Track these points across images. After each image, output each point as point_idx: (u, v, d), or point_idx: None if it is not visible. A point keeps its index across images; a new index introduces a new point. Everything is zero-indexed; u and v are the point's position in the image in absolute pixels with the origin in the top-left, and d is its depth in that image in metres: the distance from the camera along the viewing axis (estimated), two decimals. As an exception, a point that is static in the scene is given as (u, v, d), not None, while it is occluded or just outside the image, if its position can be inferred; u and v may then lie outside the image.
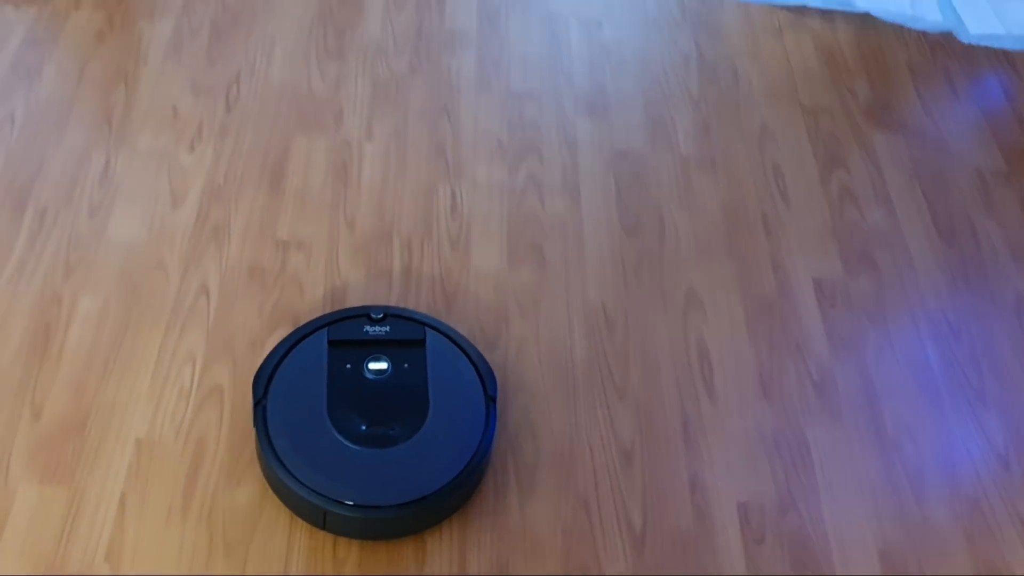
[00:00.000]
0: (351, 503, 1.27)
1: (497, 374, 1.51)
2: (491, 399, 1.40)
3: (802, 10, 2.18)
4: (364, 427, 1.34)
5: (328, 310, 1.55)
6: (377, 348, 1.42)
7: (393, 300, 1.58)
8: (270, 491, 1.33)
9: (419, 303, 1.58)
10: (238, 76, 1.86)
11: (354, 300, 1.57)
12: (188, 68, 1.85)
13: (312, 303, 1.55)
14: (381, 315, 1.45)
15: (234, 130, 1.77)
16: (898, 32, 2.18)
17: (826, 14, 2.19)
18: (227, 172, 1.71)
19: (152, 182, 1.67)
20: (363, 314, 1.46)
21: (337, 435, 1.33)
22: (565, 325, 1.58)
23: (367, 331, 1.43)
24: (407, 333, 1.44)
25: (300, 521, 1.32)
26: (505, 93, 1.92)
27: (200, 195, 1.66)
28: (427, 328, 1.46)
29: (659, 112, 1.93)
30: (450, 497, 1.31)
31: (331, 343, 1.42)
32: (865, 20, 2.18)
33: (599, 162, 1.83)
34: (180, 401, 1.42)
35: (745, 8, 2.17)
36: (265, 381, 1.38)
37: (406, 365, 1.40)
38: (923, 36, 2.16)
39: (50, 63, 1.82)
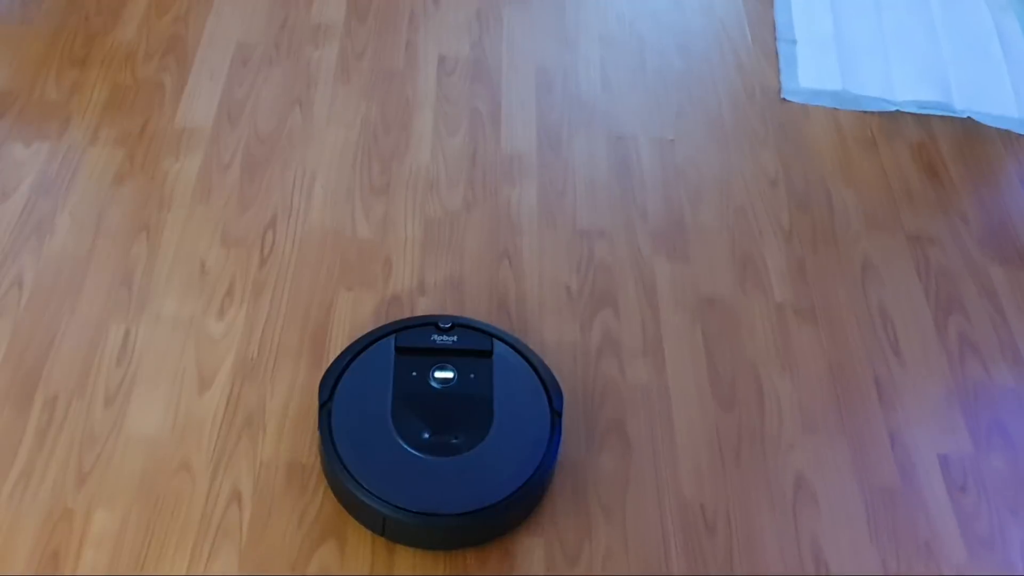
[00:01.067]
0: (410, 510, 1.25)
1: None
2: (557, 413, 1.37)
3: (896, 116, 1.93)
4: (427, 435, 1.32)
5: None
6: (444, 357, 1.40)
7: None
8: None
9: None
10: (273, 221, 1.64)
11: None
12: (218, 212, 1.63)
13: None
14: (449, 324, 1.43)
15: (270, 288, 1.55)
16: (1006, 139, 1.93)
17: (922, 120, 1.94)
18: (261, 342, 1.49)
19: (176, 359, 1.44)
20: (431, 323, 1.43)
21: (400, 442, 1.31)
22: (658, 531, 1.35)
23: (434, 340, 1.41)
24: (475, 343, 1.42)
25: (361, 528, 1.29)
26: (571, 230, 1.69)
27: (231, 373, 1.44)
28: (495, 339, 1.43)
29: (746, 248, 1.68)
30: (510, 510, 1.29)
31: (398, 350, 1.40)
32: (967, 126, 1.93)
33: (683, 313, 1.58)
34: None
35: (833, 116, 1.92)
36: (332, 385, 1.36)
37: (472, 375, 1.38)
38: (1036, 145, 1.92)
39: (63, 212, 1.61)
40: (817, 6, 2.15)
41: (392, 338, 1.42)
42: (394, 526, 1.27)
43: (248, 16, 1.96)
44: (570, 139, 1.82)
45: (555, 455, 1.35)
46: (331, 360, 1.43)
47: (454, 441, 1.32)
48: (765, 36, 2.08)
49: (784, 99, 1.93)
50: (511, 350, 1.43)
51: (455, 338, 1.42)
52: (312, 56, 1.91)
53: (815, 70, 2.00)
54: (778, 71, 2.00)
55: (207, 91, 1.82)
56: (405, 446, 1.31)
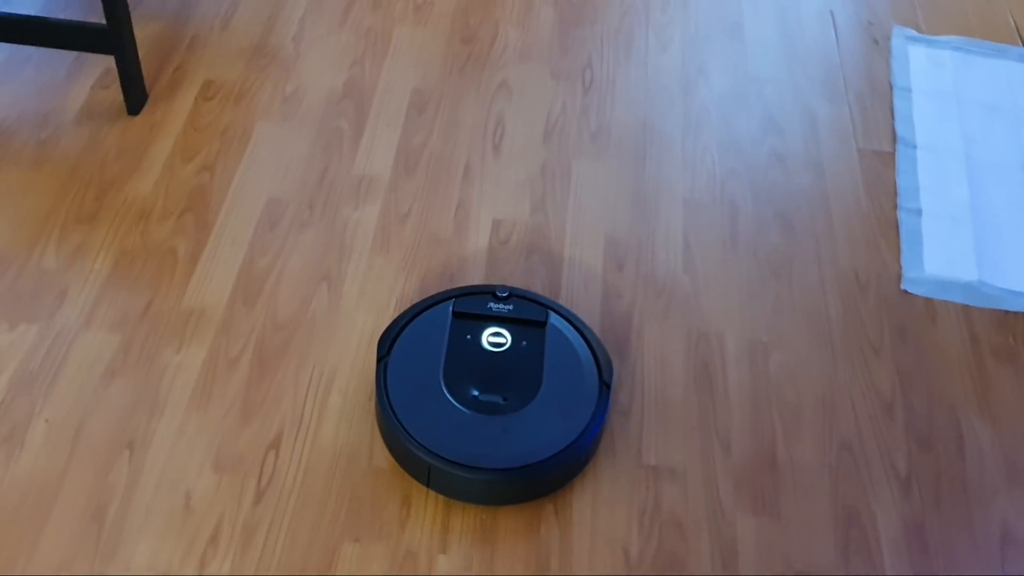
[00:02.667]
0: (454, 461, 1.28)
1: None
2: (605, 384, 1.37)
3: (1045, 316, 1.58)
4: (476, 393, 1.35)
5: None
6: (498, 323, 1.43)
7: None
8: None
9: None
10: (278, 439, 1.36)
11: None
12: (214, 425, 1.36)
13: None
14: (506, 294, 1.45)
15: (262, 533, 1.28)
16: None
17: (1079, 321, 1.58)
18: (245, 611, 1.22)
19: (139, 633, 1.20)
20: (489, 291, 1.46)
21: (450, 398, 1.34)
22: None
23: (491, 307, 1.44)
24: (530, 313, 1.44)
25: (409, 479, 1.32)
26: (635, 463, 1.37)
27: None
28: (550, 311, 1.45)
29: (852, 500, 1.34)
30: (551, 471, 1.30)
31: (455, 314, 1.43)
32: None
33: (768, 592, 1.27)
34: None
35: (966, 317, 1.56)
36: (390, 342, 1.40)
37: (524, 343, 1.40)
38: None
39: (39, 418, 1.36)
40: (950, 165, 1.80)
41: (451, 303, 1.45)
42: (438, 476, 1.30)
43: (284, 165, 1.71)
44: (641, 335, 1.52)
45: (600, 424, 1.34)
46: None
47: (502, 401, 1.34)
48: (884, 202, 1.74)
49: (905, 291, 1.59)
50: (565, 322, 1.44)
51: (511, 307, 1.44)
52: (350, 218, 1.65)
53: (944, 253, 1.65)
54: (898, 251, 1.65)
55: (225, 261, 1.57)
56: (454, 402, 1.34)
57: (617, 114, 1.85)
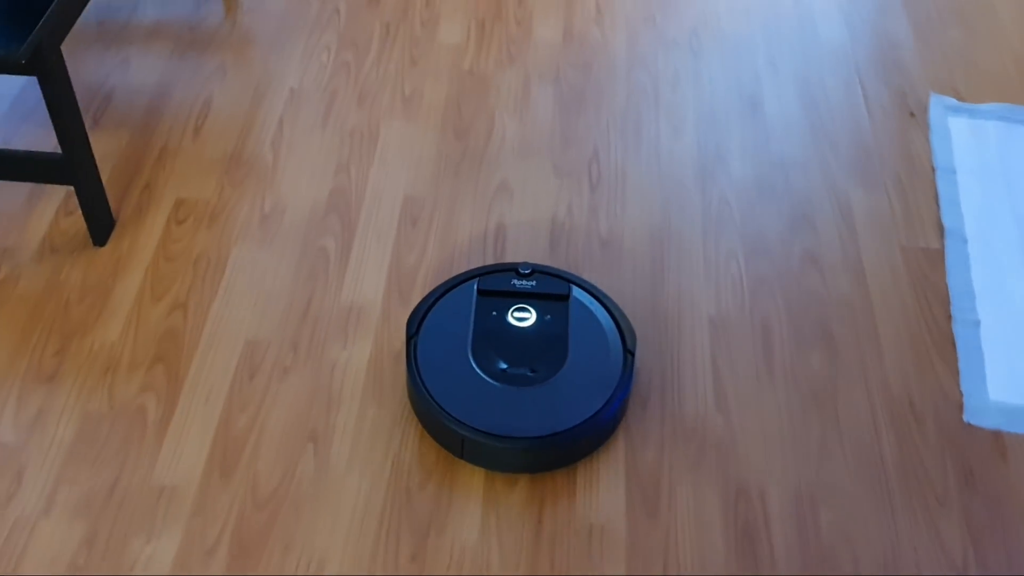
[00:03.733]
0: (487, 431, 1.30)
1: None
2: (629, 352, 1.40)
3: None
4: (504, 367, 1.37)
5: None
6: (523, 299, 1.46)
7: None
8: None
9: None
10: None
11: None
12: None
13: None
14: (529, 271, 1.48)
15: None
16: None
17: None
18: None
19: None
20: (512, 268, 1.49)
21: (479, 372, 1.37)
22: None
23: (514, 284, 1.47)
24: (553, 288, 1.46)
25: (445, 452, 1.35)
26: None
27: None
28: (572, 285, 1.47)
29: None
30: (579, 438, 1.32)
31: (480, 292, 1.46)
32: None
33: None
34: None
35: (1038, 448, 1.38)
36: (418, 321, 1.43)
37: (549, 316, 1.43)
38: None
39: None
40: (1006, 260, 1.60)
41: (475, 281, 1.48)
42: (472, 447, 1.32)
43: (263, 298, 1.53)
44: (672, 492, 1.33)
45: (627, 390, 1.37)
46: None
47: (529, 374, 1.37)
48: (936, 312, 1.54)
49: (968, 423, 1.40)
50: (588, 295, 1.46)
51: (534, 283, 1.47)
52: (338, 360, 1.47)
53: (1009, 372, 1.45)
54: (957, 373, 1.46)
55: (198, 422, 1.38)
56: (483, 376, 1.37)
57: (629, 215, 1.66)
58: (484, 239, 1.62)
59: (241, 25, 1.98)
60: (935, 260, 1.60)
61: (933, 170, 1.73)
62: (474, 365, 1.38)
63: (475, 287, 1.47)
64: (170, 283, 1.55)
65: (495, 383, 1.36)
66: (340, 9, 2.03)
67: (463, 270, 1.59)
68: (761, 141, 1.78)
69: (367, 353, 1.47)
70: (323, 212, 1.66)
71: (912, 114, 1.83)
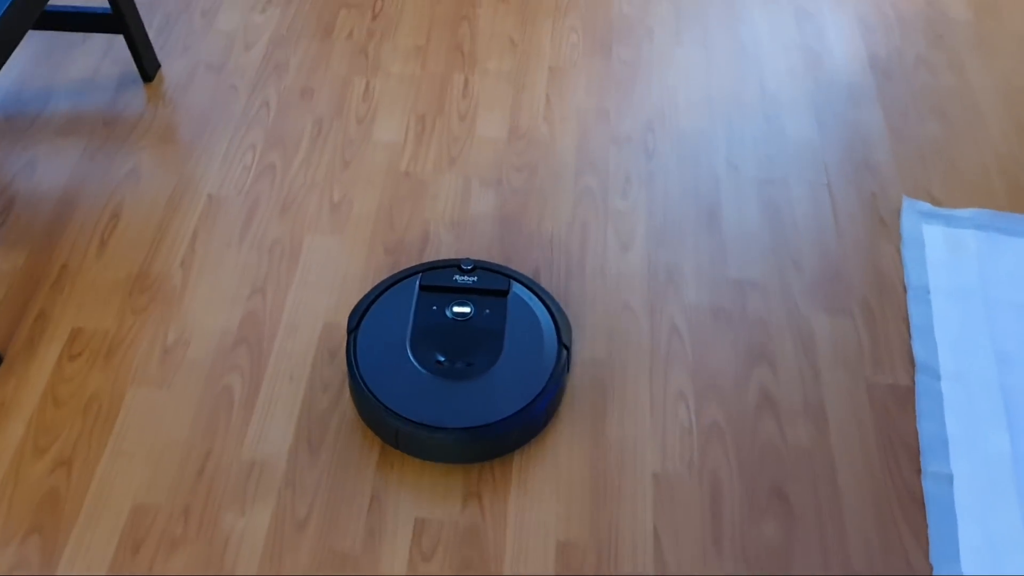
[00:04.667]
0: (419, 422, 1.32)
1: None
2: (564, 347, 1.41)
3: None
4: (441, 360, 1.39)
5: None
6: (463, 294, 1.47)
7: None
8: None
9: None
10: None
11: None
12: None
13: None
14: (471, 267, 1.50)
15: None
16: None
17: None
18: None
19: None
20: (454, 264, 1.51)
21: (416, 365, 1.38)
22: None
23: (456, 280, 1.48)
24: (493, 284, 1.48)
25: (380, 441, 1.38)
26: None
27: None
28: (512, 280, 1.49)
29: None
30: (511, 428, 1.33)
31: (422, 288, 1.48)
32: None
33: None
34: None
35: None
36: (359, 316, 1.45)
37: (487, 311, 1.45)
38: None
39: None
40: (983, 402, 1.41)
41: (418, 277, 1.50)
42: (405, 437, 1.34)
43: (156, 452, 1.36)
44: None
45: (558, 382, 1.38)
46: None
47: (465, 367, 1.38)
48: (903, 463, 1.35)
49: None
50: (527, 291, 1.48)
51: (475, 279, 1.49)
52: (233, 530, 1.30)
53: (985, 539, 1.26)
54: (926, 539, 1.27)
55: (73, 607, 1.24)
56: (420, 368, 1.38)
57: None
58: (409, 374, 1.47)
59: (161, 119, 1.83)
60: (904, 400, 1.44)
61: (905, 289, 1.58)
62: (412, 358, 1.40)
63: (417, 283, 1.49)
64: (56, 434, 1.39)
65: (431, 375, 1.38)
66: (270, 102, 1.88)
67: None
68: (718, 258, 1.62)
69: (266, 521, 1.30)
70: (231, 344, 1.50)
71: (883, 221, 1.67)
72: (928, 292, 1.56)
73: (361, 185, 1.73)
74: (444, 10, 2.07)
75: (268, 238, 1.65)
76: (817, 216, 1.68)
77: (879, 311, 1.55)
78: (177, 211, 1.68)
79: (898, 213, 1.68)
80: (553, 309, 1.46)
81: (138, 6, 2.06)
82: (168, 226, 1.66)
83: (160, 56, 1.95)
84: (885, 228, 1.67)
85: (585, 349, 1.49)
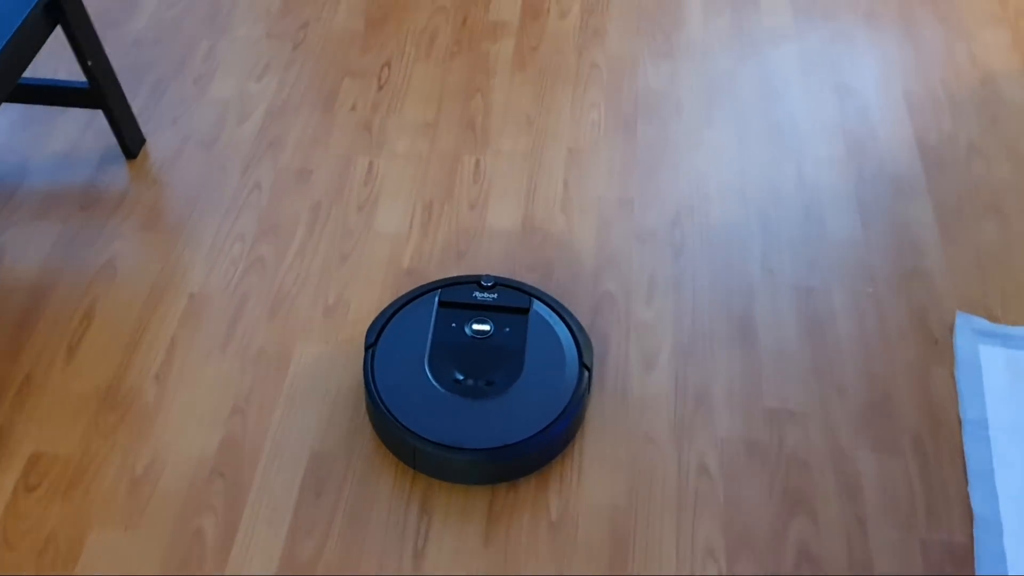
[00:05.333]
0: (437, 442, 1.29)
1: None
2: (586, 367, 1.38)
3: None
4: (459, 378, 1.36)
5: None
6: (483, 311, 1.44)
7: None
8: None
9: None
10: None
11: None
12: None
13: None
14: (491, 283, 1.47)
15: None
16: None
17: None
18: None
19: None
20: (474, 281, 1.48)
21: (434, 383, 1.35)
22: None
23: (475, 296, 1.46)
24: (513, 301, 1.45)
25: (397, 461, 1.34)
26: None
27: None
28: (533, 298, 1.46)
29: None
30: (530, 450, 1.31)
31: (441, 303, 1.45)
32: None
33: None
34: None
35: None
36: (378, 330, 1.42)
37: (507, 329, 1.42)
38: None
39: None
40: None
41: (437, 293, 1.46)
42: (423, 457, 1.31)
43: None
44: None
45: (579, 405, 1.35)
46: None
47: (484, 386, 1.35)
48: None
49: None
50: (548, 309, 1.45)
51: (495, 295, 1.46)
52: None
53: None
54: None
55: None
56: (438, 387, 1.35)
57: (587, 488, 1.32)
58: (403, 527, 1.30)
59: (144, 202, 1.68)
60: (963, 560, 1.27)
61: (960, 423, 1.41)
62: (430, 376, 1.37)
63: (436, 298, 1.46)
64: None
65: (449, 394, 1.35)
66: (263, 184, 1.72)
67: (375, 562, 1.27)
68: (752, 381, 1.45)
69: None
70: (207, 474, 1.34)
71: (936, 341, 1.51)
72: (987, 428, 1.39)
73: (359, 284, 1.57)
74: (456, 80, 1.91)
75: (253, 346, 1.49)
76: (862, 332, 1.51)
77: (932, 450, 1.38)
78: (155, 312, 1.53)
79: (951, 330, 1.52)
80: (574, 329, 1.43)
81: (128, 68, 1.91)
82: (145, 330, 1.50)
83: (147, 128, 1.80)
84: (937, 348, 1.49)
85: (602, 491, 1.33)
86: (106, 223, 1.65)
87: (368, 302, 1.54)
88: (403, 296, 1.47)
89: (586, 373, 1.37)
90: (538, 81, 1.91)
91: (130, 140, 1.73)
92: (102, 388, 1.43)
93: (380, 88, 1.90)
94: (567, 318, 1.44)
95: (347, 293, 1.56)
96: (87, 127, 1.81)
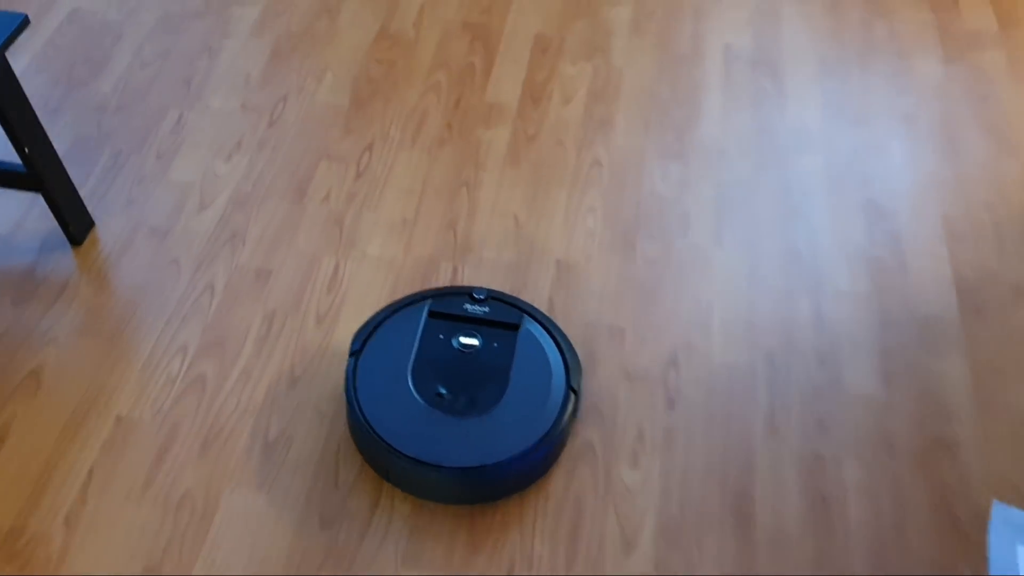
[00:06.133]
0: (413, 458, 1.25)
1: None
2: (573, 390, 1.32)
3: None
4: (442, 393, 1.31)
5: None
6: (472, 325, 1.39)
7: None
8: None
9: None
10: None
11: None
12: None
13: None
14: (483, 296, 1.42)
15: None
16: None
17: None
18: None
19: None
20: (466, 292, 1.43)
21: (416, 396, 1.31)
22: None
23: (466, 308, 1.41)
24: (505, 316, 1.40)
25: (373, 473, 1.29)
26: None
27: None
28: (525, 315, 1.40)
29: None
30: (509, 473, 1.25)
31: (431, 314, 1.40)
32: None
33: None
34: None
35: None
36: (364, 338, 1.37)
37: (495, 345, 1.36)
38: None
39: None
40: None
41: (428, 303, 1.41)
42: (397, 472, 1.27)
43: None
44: None
45: (561, 429, 1.28)
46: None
47: (467, 403, 1.30)
48: None
49: None
50: (539, 326, 1.39)
51: (487, 309, 1.40)
52: None
53: None
54: None
55: None
56: (420, 400, 1.30)
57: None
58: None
59: (82, 301, 1.49)
60: None
61: (987, 645, 1.20)
62: (412, 389, 1.32)
63: (426, 308, 1.41)
64: None
65: (431, 408, 1.30)
66: (216, 286, 1.53)
67: None
68: (746, 559, 1.26)
69: None
70: (106, 654, 1.16)
71: (963, 531, 1.30)
72: (1018, 653, 1.18)
73: (307, 416, 1.38)
74: (442, 171, 1.72)
75: (178, 488, 1.30)
76: (876, 516, 1.30)
77: (952, 677, 1.17)
78: (76, 438, 1.34)
79: (984, 521, 1.31)
80: (564, 349, 1.37)
81: (86, 138, 1.72)
82: (61, 459, 1.32)
83: (98, 209, 1.62)
84: (966, 543, 1.28)
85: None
86: (37, 324, 1.46)
87: (314, 440, 1.34)
88: (392, 304, 1.42)
89: (573, 396, 1.31)
90: (532, 178, 1.71)
91: (75, 227, 1.55)
92: (3, 530, 1.25)
93: (358, 176, 1.71)
94: (558, 338, 1.39)
95: (291, 427, 1.36)
96: (32, 205, 1.64)
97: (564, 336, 1.38)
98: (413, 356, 1.35)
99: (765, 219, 1.67)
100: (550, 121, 1.82)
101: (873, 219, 1.67)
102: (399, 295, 1.53)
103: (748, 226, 1.65)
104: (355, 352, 1.35)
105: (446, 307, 1.41)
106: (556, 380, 1.33)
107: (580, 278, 1.57)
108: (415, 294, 1.43)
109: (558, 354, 1.37)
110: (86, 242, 1.57)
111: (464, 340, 1.37)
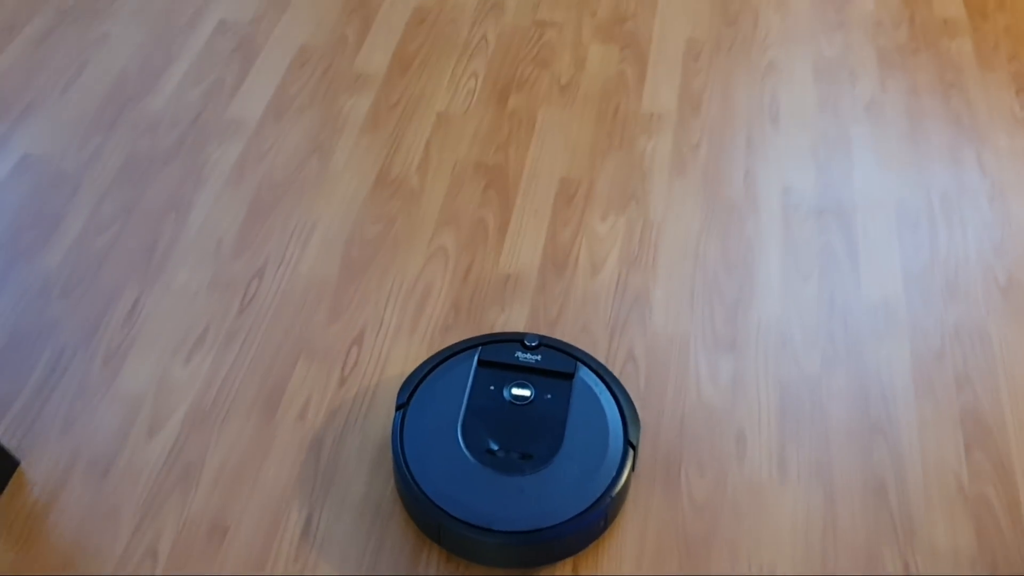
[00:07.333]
0: (465, 521, 1.18)
1: None
2: (631, 445, 1.26)
3: None
4: (494, 449, 1.25)
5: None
6: (524, 374, 1.33)
7: None
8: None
9: None
10: None
11: None
12: None
13: None
14: (536, 343, 1.36)
15: None
16: None
17: None
18: None
19: None
20: (518, 339, 1.37)
21: (466, 453, 1.24)
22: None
23: (518, 357, 1.35)
24: (558, 365, 1.34)
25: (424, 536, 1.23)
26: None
27: None
28: (579, 363, 1.34)
29: None
30: (566, 536, 1.19)
31: (480, 363, 1.34)
32: None
33: None
34: None
35: None
36: (411, 390, 1.31)
37: (549, 396, 1.31)
38: None
39: None
40: None
41: (477, 351, 1.35)
42: (449, 535, 1.20)
43: None
44: None
45: (618, 486, 1.22)
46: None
47: (520, 459, 1.24)
48: None
49: None
50: (595, 376, 1.33)
51: (539, 357, 1.34)
52: None
53: None
54: None
55: None
56: (470, 457, 1.24)
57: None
58: None
59: (1, 565, 1.22)
60: None
61: None
62: (462, 444, 1.25)
63: (476, 357, 1.34)
64: None
65: (482, 466, 1.22)
66: (158, 551, 1.21)
67: None
68: None
69: None
70: None
71: None
72: None
73: None
74: (445, 367, 1.42)
75: None
76: None
77: None
78: None
79: None
80: (621, 399, 1.30)
81: (24, 332, 1.42)
82: None
83: (29, 436, 1.31)
84: None
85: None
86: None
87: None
88: (441, 352, 1.35)
89: (631, 451, 1.25)
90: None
91: (-5, 469, 1.28)
92: None
93: (343, 381, 1.40)
94: (614, 388, 1.31)
95: None
96: (-48, 431, 1.36)
97: (620, 386, 1.31)
98: (463, 409, 1.28)
99: (839, 438, 1.34)
100: (576, 296, 1.50)
101: (974, 439, 1.34)
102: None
103: (819, 449, 1.32)
104: (401, 405, 1.30)
105: (496, 355, 1.34)
106: (613, 433, 1.27)
107: (605, 538, 1.25)
108: (464, 341, 1.37)
109: (614, 405, 1.29)
110: (8, 489, 1.29)
111: (516, 391, 1.30)
